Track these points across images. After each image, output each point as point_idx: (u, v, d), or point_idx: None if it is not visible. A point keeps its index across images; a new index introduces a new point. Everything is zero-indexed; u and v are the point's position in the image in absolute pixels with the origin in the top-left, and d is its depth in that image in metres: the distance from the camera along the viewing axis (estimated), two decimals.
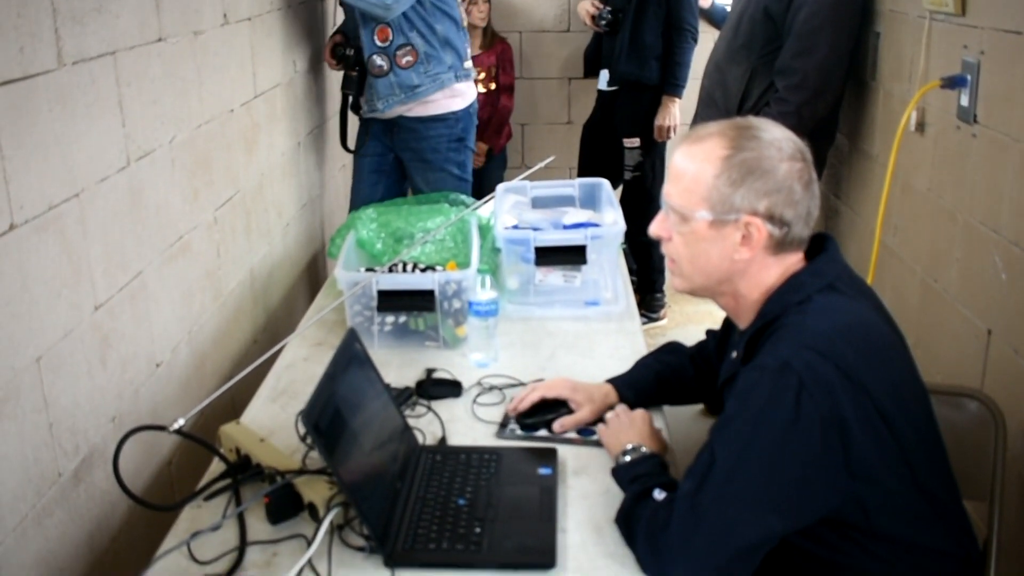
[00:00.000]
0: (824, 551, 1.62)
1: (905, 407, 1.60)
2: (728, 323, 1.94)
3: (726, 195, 1.61)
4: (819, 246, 1.72)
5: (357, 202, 3.91)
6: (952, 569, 1.69)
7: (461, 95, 3.71)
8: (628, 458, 1.78)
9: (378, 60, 3.52)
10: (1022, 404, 2.21)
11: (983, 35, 2.49)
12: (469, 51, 3.77)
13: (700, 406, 3.49)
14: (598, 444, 1.96)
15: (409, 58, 3.52)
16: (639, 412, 1.96)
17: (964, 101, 2.57)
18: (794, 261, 1.69)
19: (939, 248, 2.76)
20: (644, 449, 1.80)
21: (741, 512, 1.51)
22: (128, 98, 2.07)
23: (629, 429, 1.89)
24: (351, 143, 3.88)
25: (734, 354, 1.77)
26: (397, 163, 3.80)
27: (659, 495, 1.63)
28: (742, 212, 1.61)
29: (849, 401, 1.51)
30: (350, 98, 3.72)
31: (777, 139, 1.64)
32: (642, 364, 2.17)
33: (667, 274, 4.91)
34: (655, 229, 1.75)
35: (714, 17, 5.04)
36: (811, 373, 1.51)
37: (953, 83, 2.60)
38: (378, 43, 3.50)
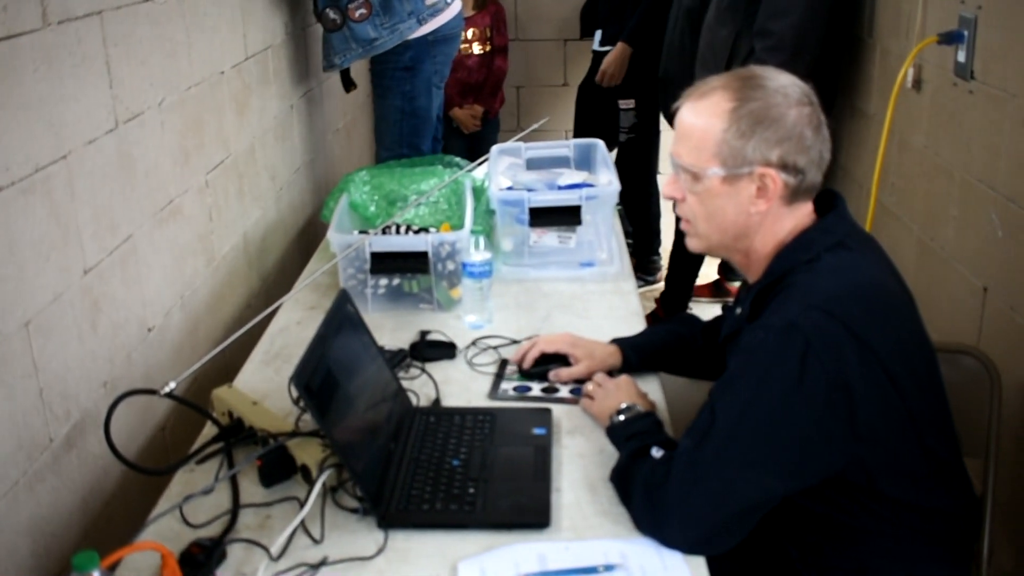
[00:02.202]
0: (827, 509, 1.62)
1: (912, 367, 1.59)
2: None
3: (737, 148, 1.59)
4: (828, 203, 1.70)
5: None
6: (953, 528, 1.69)
7: (421, 30, 3.48)
8: (623, 417, 1.77)
9: (331, 13, 3.33)
10: (1018, 361, 2.20)
11: None
12: None
13: None
14: None
15: (363, 11, 3.31)
16: (623, 377, 1.95)
17: (961, 57, 2.54)
18: (805, 214, 1.67)
19: (936, 206, 2.75)
20: (639, 407, 1.79)
21: (741, 472, 1.51)
22: (115, 59, 2.04)
23: (617, 392, 1.87)
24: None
25: (738, 310, 1.76)
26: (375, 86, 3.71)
27: (657, 453, 1.62)
28: (755, 164, 1.59)
29: (856, 363, 1.50)
30: None
31: (783, 86, 1.61)
32: (652, 330, 2.16)
33: (658, 235, 4.92)
34: (668, 191, 1.73)
35: None
36: (818, 334, 1.49)
37: (950, 39, 2.56)
38: None
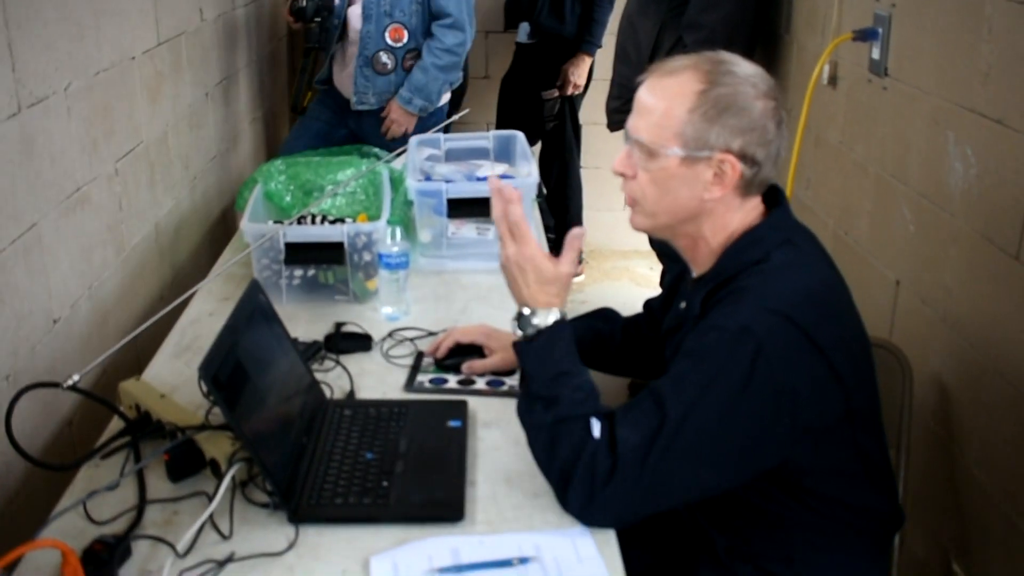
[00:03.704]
0: (754, 498, 1.62)
1: (856, 366, 1.60)
2: (675, 273, 1.89)
3: (701, 131, 1.56)
4: (772, 197, 1.69)
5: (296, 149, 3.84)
6: (877, 521, 1.71)
7: (444, 97, 3.75)
8: (538, 320, 1.64)
9: (384, 57, 3.54)
10: (929, 353, 2.24)
11: None
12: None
13: None
14: (509, 395, 1.93)
15: (412, 63, 3.57)
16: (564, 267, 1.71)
17: (875, 54, 2.57)
18: (753, 206, 1.65)
19: (850, 201, 2.78)
20: (556, 311, 1.65)
21: (683, 468, 1.50)
22: (18, 41, 1.97)
23: (549, 286, 1.67)
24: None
25: (683, 304, 1.74)
26: (349, 138, 3.74)
27: (596, 430, 1.53)
28: (716, 150, 1.57)
29: (807, 366, 1.50)
30: (313, 54, 3.68)
31: (752, 75, 1.60)
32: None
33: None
34: (619, 166, 1.66)
35: None
36: (771, 339, 1.48)
37: (865, 36, 2.60)
38: (389, 41, 3.52)
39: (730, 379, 1.48)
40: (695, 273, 1.72)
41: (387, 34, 3.51)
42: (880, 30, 2.56)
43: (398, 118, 3.62)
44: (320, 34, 3.63)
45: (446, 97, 3.78)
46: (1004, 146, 1.97)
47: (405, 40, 3.52)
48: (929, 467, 2.24)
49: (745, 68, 1.61)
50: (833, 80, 2.91)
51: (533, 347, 1.63)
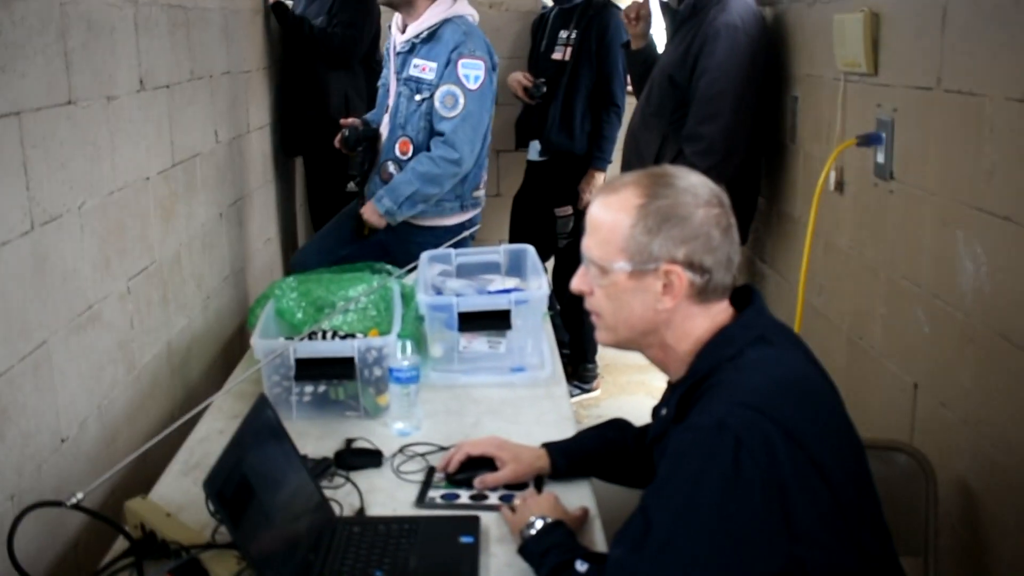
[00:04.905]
0: None
1: (842, 460, 1.55)
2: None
3: (643, 244, 1.58)
4: (746, 298, 1.69)
5: (313, 254, 3.72)
6: None
7: (459, 216, 3.66)
8: (534, 530, 1.71)
9: (391, 167, 3.54)
10: (950, 456, 2.19)
11: (895, 93, 2.52)
12: (485, 177, 3.72)
13: None
14: None
15: None
16: (547, 494, 1.89)
17: (880, 158, 2.59)
18: (720, 310, 1.65)
19: (863, 305, 2.77)
20: (549, 519, 1.73)
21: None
22: (34, 160, 2.00)
23: (534, 507, 1.80)
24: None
25: (664, 411, 1.72)
26: (379, 247, 3.65)
27: (582, 567, 1.55)
28: (661, 260, 1.58)
29: (788, 459, 1.46)
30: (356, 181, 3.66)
31: (692, 185, 1.61)
32: (582, 435, 2.11)
33: (595, 343, 4.89)
34: (576, 284, 1.70)
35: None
36: (749, 431, 1.45)
37: (868, 141, 2.62)
38: (398, 153, 3.54)
39: (716, 477, 1.45)
40: (671, 379, 1.72)
41: (397, 145, 3.52)
42: (883, 135, 2.57)
43: (367, 213, 3.56)
44: (361, 165, 3.62)
45: (454, 219, 3.64)
46: (1013, 242, 1.96)
47: (410, 154, 3.50)
48: (958, 573, 2.17)
49: (687, 179, 1.63)
50: (840, 186, 2.92)
51: (530, 540, 1.72)
